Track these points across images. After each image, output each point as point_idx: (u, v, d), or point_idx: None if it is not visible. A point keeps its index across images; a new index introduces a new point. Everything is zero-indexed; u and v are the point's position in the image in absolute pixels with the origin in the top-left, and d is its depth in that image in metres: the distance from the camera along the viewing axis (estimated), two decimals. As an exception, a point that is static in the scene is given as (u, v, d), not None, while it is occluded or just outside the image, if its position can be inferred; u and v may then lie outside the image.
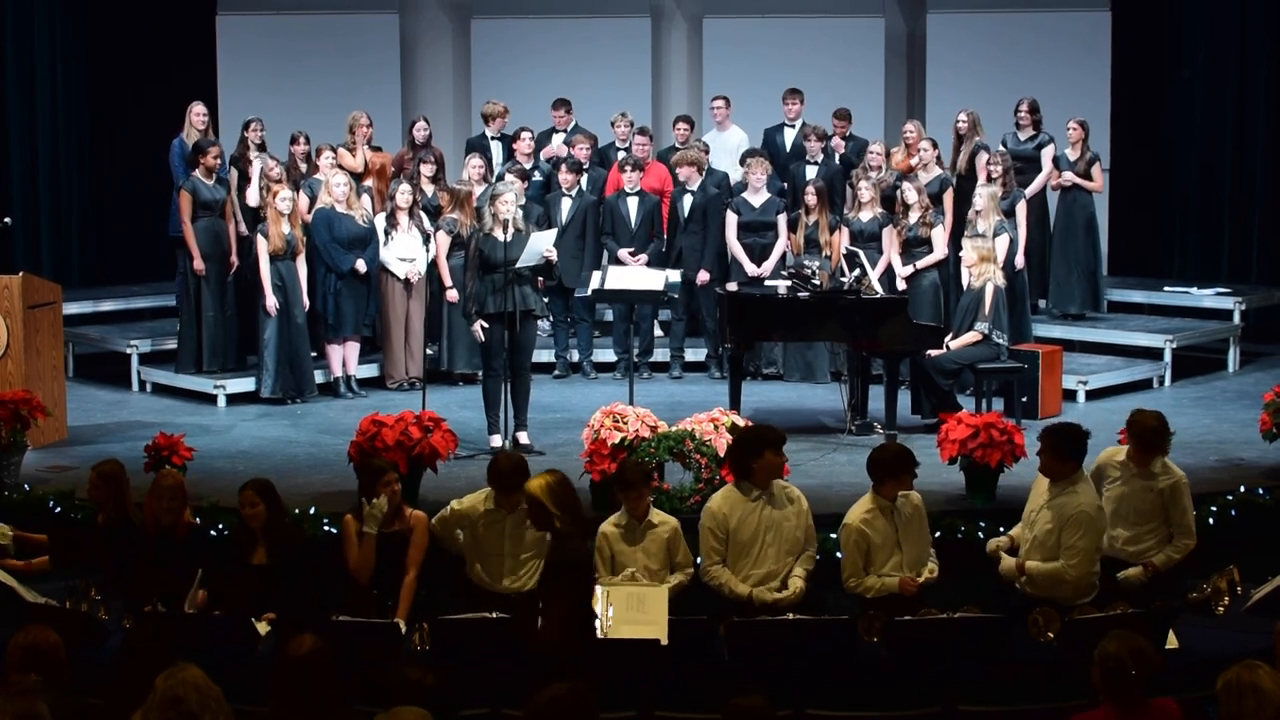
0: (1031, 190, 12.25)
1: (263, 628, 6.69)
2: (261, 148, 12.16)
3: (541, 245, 9.72)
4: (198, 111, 12.17)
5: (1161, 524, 7.37)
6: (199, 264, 11.39)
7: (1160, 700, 5.34)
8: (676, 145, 12.69)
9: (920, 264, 11.39)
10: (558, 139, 12.83)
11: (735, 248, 11.97)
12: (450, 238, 11.32)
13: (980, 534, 7.85)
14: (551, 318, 12.13)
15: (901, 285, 11.37)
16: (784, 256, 11.78)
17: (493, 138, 12.81)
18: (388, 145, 12.76)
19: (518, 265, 9.63)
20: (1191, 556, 7.53)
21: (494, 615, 6.56)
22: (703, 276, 12.00)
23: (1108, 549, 7.31)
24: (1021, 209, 11.77)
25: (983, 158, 12.00)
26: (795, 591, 7.17)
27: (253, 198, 11.76)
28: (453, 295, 11.36)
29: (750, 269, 11.81)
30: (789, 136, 12.92)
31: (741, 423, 8.48)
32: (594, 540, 7.37)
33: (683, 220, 12.04)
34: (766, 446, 7.29)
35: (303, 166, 12.14)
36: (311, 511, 8.30)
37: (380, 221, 11.61)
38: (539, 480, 6.24)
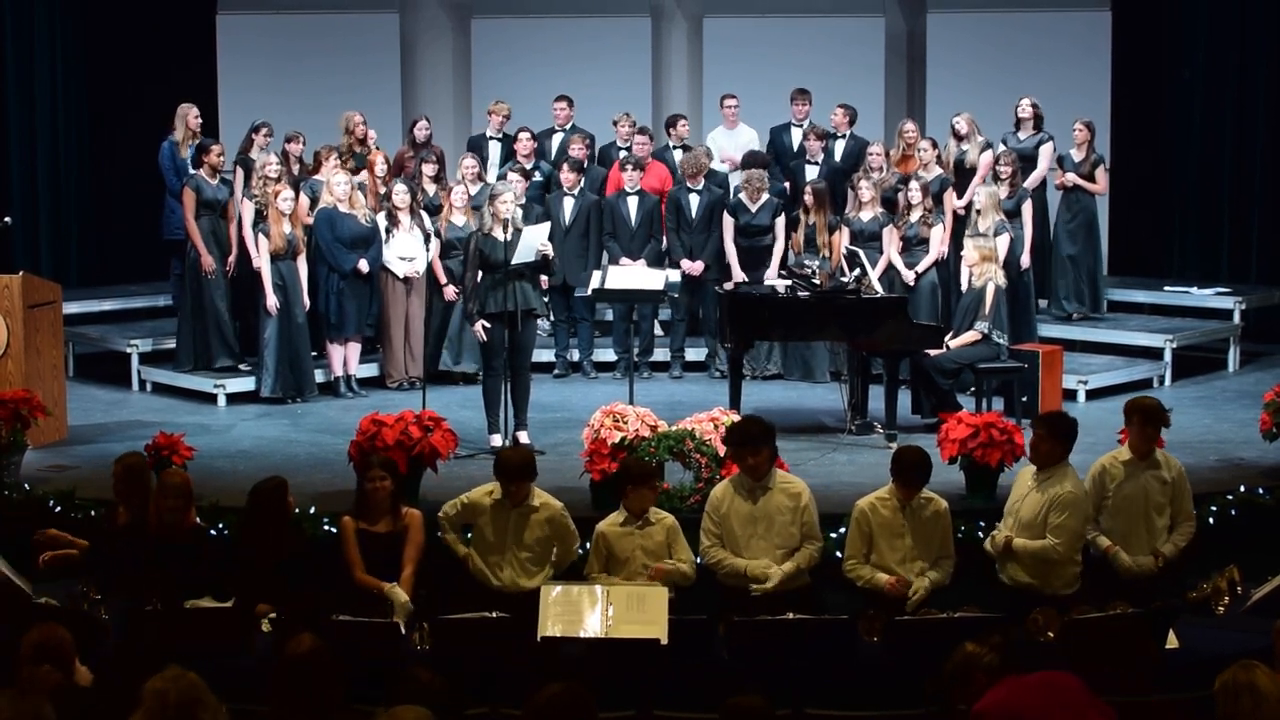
0: (1029, 184, 12.23)
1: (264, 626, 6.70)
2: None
3: (536, 240, 9.70)
4: (194, 115, 12.16)
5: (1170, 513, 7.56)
6: (206, 260, 11.38)
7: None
8: (670, 141, 12.68)
9: (921, 266, 11.43)
10: (557, 139, 12.82)
11: (730, 252, 11.94)
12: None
13: (980, 534, 7.85)
14: (553, 316, 12.13)
15: (909, 280, 11.40)
16: (784, 257, 11.77)
17: (490, 137, 12.81)
18: (388, 145, 12.75)
19: (514, 262, 9.63)
20: (1191, 554, 7.58)
21: (494, 615, 6.57)
22: (697, 267, 11.93)
23: (1140, 556, 7.42)
24: (1027, 208, 11.77)
25: (988, 155, 12.02)
26: (773, 575, 7.21)
27: (248, 213, 11.58)
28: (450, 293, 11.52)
29: (738, 275, 11.72)
30: (796, 136, 12.87)
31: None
32: (591, 539, 7.40)
33: (692, 219, 12.02)
34: (729, 444, 7.61)
35: (295, 167, 12.12)
36: (311, 511, 8.29)
37: (381, 221, 11.60)
38: None
